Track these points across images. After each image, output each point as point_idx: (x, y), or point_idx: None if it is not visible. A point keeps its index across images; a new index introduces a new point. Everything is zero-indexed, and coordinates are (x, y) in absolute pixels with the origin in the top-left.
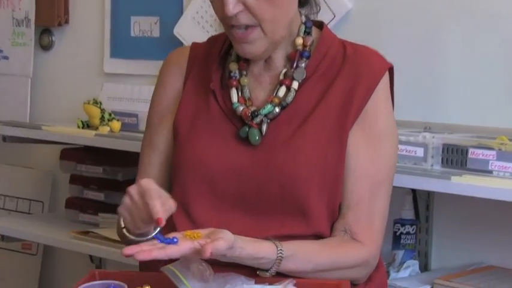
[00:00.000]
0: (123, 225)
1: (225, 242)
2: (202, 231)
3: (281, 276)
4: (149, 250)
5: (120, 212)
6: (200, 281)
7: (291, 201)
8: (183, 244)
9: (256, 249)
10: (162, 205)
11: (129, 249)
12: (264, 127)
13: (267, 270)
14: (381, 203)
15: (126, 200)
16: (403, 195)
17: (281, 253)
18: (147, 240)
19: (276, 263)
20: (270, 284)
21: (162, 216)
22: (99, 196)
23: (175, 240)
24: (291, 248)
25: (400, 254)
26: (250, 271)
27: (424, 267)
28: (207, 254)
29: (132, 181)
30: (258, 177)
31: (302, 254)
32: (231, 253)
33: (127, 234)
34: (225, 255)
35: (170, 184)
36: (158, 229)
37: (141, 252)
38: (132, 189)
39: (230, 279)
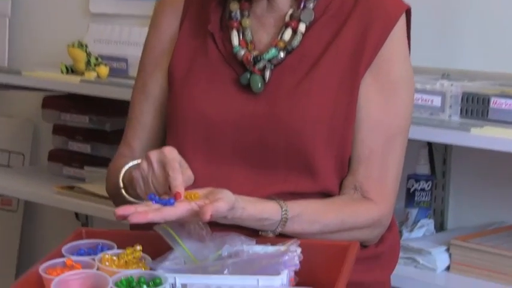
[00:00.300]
0: (122, 185)
1: (225, 202)
2: (200, 192)
3: (284, 236)
4: (144, 212)
5: (135, 176)
6: (196, 241)
7: (295, 155)
8: (180, 206)
9: (259, 210)
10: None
11: (122, 210)
12: (267, 73)
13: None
14: (395, 157)
15: (143, 165)
16: (418, 148)
17: (286, 214)
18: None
19: (280, 224)
20: (273, 244)
21: (181, 191)
22: (85, 148)
23: (171, 201)
24: (296, 208)
25: (413, 212)
26: (252, 231)
27: (440, 227)
28: (207, 217)
29: (121, 132)
30: (259, 129)
31: (308, 215)
32: (231, 214)
33: (126, 195)
34: (225, 217)
35: (164, 135)
36: None
37: (135, 214)
38: (153, 156)
39: (229, 239)
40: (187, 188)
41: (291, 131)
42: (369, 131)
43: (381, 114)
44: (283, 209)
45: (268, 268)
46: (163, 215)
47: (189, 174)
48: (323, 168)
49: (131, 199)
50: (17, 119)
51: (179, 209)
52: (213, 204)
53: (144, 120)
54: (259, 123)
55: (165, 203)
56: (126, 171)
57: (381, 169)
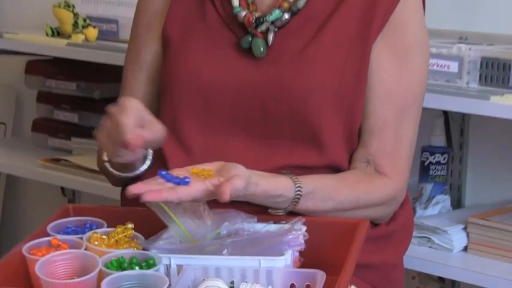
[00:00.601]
0: (106, 159)
1: (241, 179)
2: (211, 167)
3: (289, 213)
4: (159, 190)
5: (98, 137)
6: (193, 218)
7: (301, 125)
8: (195, 185)
9: (273, 186)
10: (141, 127)
11: (135, 188)
12: (271, 37)
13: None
14: (409, 128)
15: (104, 120)
16: (433, 118)
17: (299, 190)
18: (136, 176)
19: (293, 201)
20: (275, 222)
21: (134, 140)
22: (72, 117)
23: (187, 180)
24: (309, 184)
25: (428, 187)
26: (258, 208)
27: (457, 204)
28: (226, 197)
29: (111, 99)
30: (262, 96)
31: (322, 191)
32: (245, 191)
33: (111, 170)
34: (239, 195)
35: (159, 105)
36: (148, 163)
37: (149, 192)
38: (112, 108)
39: (229, 217)
40: (187, 162)
41: (295, 99)
42: (381, 100)
43: (394, 82)
44: (296, 185)
45: (271, 248)
46: (179, 195)
47: (156, 127)
48: (330, 140)
49: (117, 173)
50: None
51: (194, 189)
52: (230, 182)
53: (137, 89)
54: (261, 90)
55: (179, 182)
56: None
57: (394, 141)
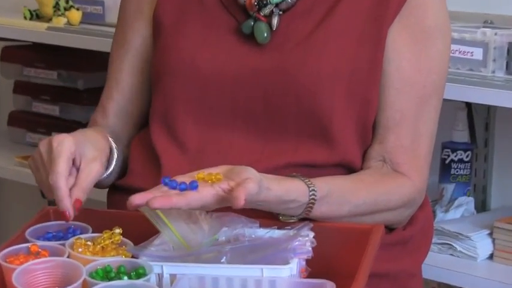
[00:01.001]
0: None
1: (254, 183)
2: (218, 170)
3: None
4: (167, 196)
5: (30, 169)
6: (188, 222)
7: (308, 118)
8: (204, 191)
9: (285, 190)
10: (76, 169)
11: (137, 198)
12: (275, 20)
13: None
14: (429, 122)
15: (35, 155)
16: (454, 111)
17: (314, 194)
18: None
19: (307, 207)
20: (280, 227)
21: (69, 210)
22: (53, 110)
23: (195, 184)
24: (323, 186)
25: (449, 188)
26: (255, 212)
27: (481, 206)
28: (241, 202)
29: (96, 90)
30: (264, 86)
31: (337, 194)
32: (257, 197)
33: None
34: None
35: (149, 94)
36: (114, 159)
37: (156, 198)
38: (43, 146)
39: (228, 221)
40: (181, 160)
41: (302, 89)
42: (399, 91)
43: (412, 70)
44: (310, 189)
45: (275, 256)
46: (188, 201)
47: (92, 168)
48: (342, 135)
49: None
50: None
51: (204, 194)
52: (244, 186)
53: (121, 78)
54: (264, 79)
55: (186, 188)
56: None
57: (413, 136)
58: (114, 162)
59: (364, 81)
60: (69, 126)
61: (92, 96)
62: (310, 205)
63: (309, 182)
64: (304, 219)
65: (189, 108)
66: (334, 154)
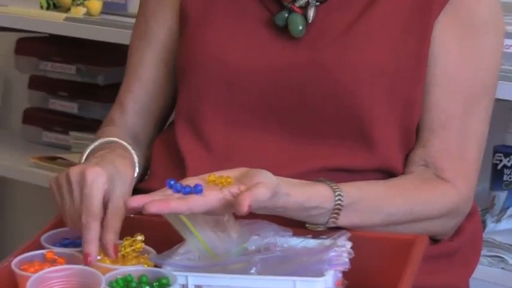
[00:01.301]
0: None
1: (266, 188)
2: (232, 173)
3: (330, 228)
4: (165, 200)
5: (51, 189)
6: (215, 230)
7: (347, 119)
8: (210, 195)
9: (307, 196)
10: (108, 228)
11: (135, 200)
12: (311, 12)
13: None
14: (478, 124)
15: (62, 181)
16: (507, 111)
17: (340, 200)
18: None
19: (332, 214)
20: (315, 237)
21: (90, 250)
22: (71, 107)
23: (199, 187)
24: (352, 192)
25: (501, 196)
26: (287, 219)
27: None
28: (244, 208)
29: (117, 86)
30: (299, 84)
31: (368, 201)
32: (273, 203)
33: None
34: (265, 207)
35: (173, 90)
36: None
37: (153, 202)
38: (73, 174)
39: (258, 229)
40: (207, 162)
41: (340, 87)
42: (445, 89)
43: (460, 68)
44: (336, 194)
45: (308, 267)
46: (190, 206)
47: (122, 208)
48: (383, 138)
49: None
50: None
51: (209, 199)
52: (251, 192)
53: (143, 70)
54: (299, 76)
55: (190, 191)
56: (92, 151)
57: (460, 140)
58: (135, 180)
59: (408, 79)
60: (88, 124)
61: (113, 93)
62: (336, 212)
63: (336, 187)
64: (338, 228)
65: (216, 106)
66: (373, 158)
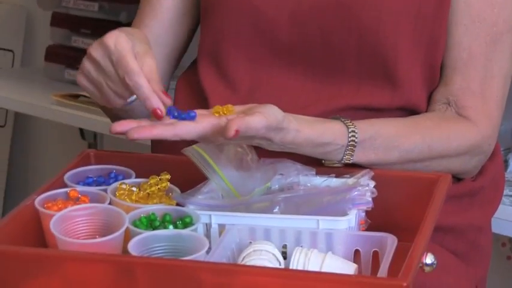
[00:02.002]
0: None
1: (263, 117)
2: (237, 107)
3: (353, 165)
4: (150, 126)
5: (81, 83)
6: (239, 169)
7: (371, 58)
8: (203, 120)
9: (318, 132)
10: (151, 80)
11: (119, 124)
12: None
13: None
14: (502, 63)
15: (87, 65)
16: None
17: (354, 136)
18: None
19: (347, 150)
20: (338, 176)
21: (156, 104)
22: None
23: (192, 114)
24: (367, 129)
25: None
26: (311, 160)
27: None
28: (231, 133)
29: None
30: (323, 23)
31: (384, 138)
32: (280, 137)
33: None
34: (272, 141)
35: (191, 23)
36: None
37: (136, 129)
38: (95, 51)
39: (281, 168)
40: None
41: (364, 26)
42: (467, 26)
43: (483, 5)
44: (350, 130)
45: (332, 206)
46: (177, 131)
47: (151, 62)
48: (407, 76)
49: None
50: (4, 5)
51: (200, 125)
52: (243, 118)
53: (161, 8)
54: (323, 15)
55: (184, 117)
56: None
57: (483, 78)
58: None
59: (431, 17)
60: None
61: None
62: (351, 148)
63: (350, 123)
64: (361, 167)
65: (241, 44)
66: (397, 97)
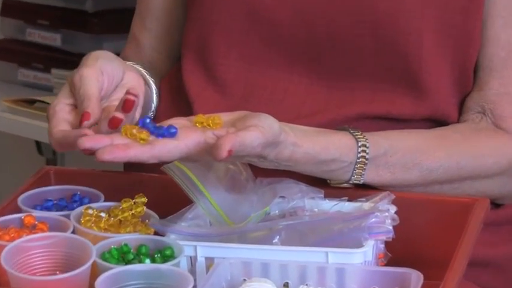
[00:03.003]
0: None
1: (259, 132)
2: (225, 116)
3: (369, 187)
4: (124, 146)
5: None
6: (230, 190)
7: (389, 56)
8: (186, 137)
9: (321, 146)
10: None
11: (89, 140)
12: None
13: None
14: None
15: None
16: None
17: (364, 151)
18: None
19: (356, 169)
20: (351, 199)
21: (90, 112)
22: (54, 39)
23: (172, 130)
24: (381, 142)
25: None
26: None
27: None
28: (223, 154)
29: (109, 14)
30: (332, 14)
31: (402, 153)
32: (276, 153)
33: None
34: (265, 158)
35: (182, 17)
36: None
37: (109, 148)
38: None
39: (283, 189)
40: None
41: (381, 17)
42: (506, 20)
43: None
44: (359, 144)
45: (344, 236)
46: (155, 152)
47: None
48: (433, 79)
49: None
50: None
51: (183, 143)
52: (237, 134)
53: (155, 1)
54: (331, 5)
55: (163, 134)
56: None
57: None
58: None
59: (462, 7)
60: (73, 60)
61: (104, 22)
62: (360, 166)
63: (360, 136)
64: (378, 188)
65: (234, 40)
66: (422, 104)
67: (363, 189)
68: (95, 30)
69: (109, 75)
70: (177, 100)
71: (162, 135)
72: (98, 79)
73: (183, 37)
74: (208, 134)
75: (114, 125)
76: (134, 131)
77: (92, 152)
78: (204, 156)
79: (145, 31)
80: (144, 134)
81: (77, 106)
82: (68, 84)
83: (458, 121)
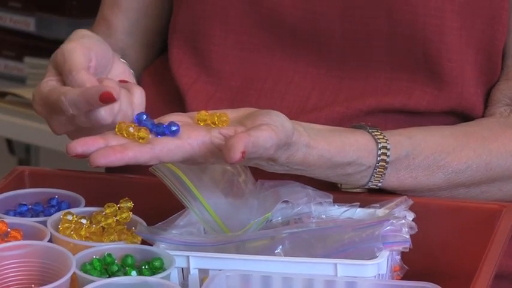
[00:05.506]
0: None
1: (272, 132)
2: (234, 114)
3: (383, 191)
4: (121, 147)
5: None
6: (227, 194)
7: (406, 42)
8: (190, 135)
9: (337, 147)
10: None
11: (81, 143)
12: None
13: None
14: None
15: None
16: None
17: (385, 154)
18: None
19: (375, 173)
20: (362, 205)
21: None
22: (26, 23)
23: (174, 128)
24: (404, 142)
25: None
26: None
27: None
28: (236, 156)
29: None
30: (343, 1)
31: (426, 155)
32: (287, 156)
33: None
34: (275, 161)
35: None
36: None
37: (102, 151)
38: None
39: (286, 193)
40: (216, 101)
41: (398, 6)
42: None
43: None
44: (380, 146)
45: (355, 246)
46: (156, 152)
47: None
48: (456, 68)
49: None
50: None
51: (186, 143)
52: (249, 134)
53: None
54: None
55: (163, 132)
56: None
57: None
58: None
59: None
60: (48, 47)
61: (82, 4)
62: (380, 170)
63: (380, 136)
64: (393, 192)
65: (230, 24)
66: (443, 96)
67: (377, 194)
68: (73, 14)
69: (97, 54)
70: (164, 93)
71: (162, 134)
72: (84, 53)
73: (170, 21)
74: (215, 133)
75: (108, 98)
76: (131, 129)
77: (84, 157)
78: (209, 159)
79: (119, 11)
80: (143, 132)
81: (65, 82)
82: (52, 66)
83: (483, 115)
